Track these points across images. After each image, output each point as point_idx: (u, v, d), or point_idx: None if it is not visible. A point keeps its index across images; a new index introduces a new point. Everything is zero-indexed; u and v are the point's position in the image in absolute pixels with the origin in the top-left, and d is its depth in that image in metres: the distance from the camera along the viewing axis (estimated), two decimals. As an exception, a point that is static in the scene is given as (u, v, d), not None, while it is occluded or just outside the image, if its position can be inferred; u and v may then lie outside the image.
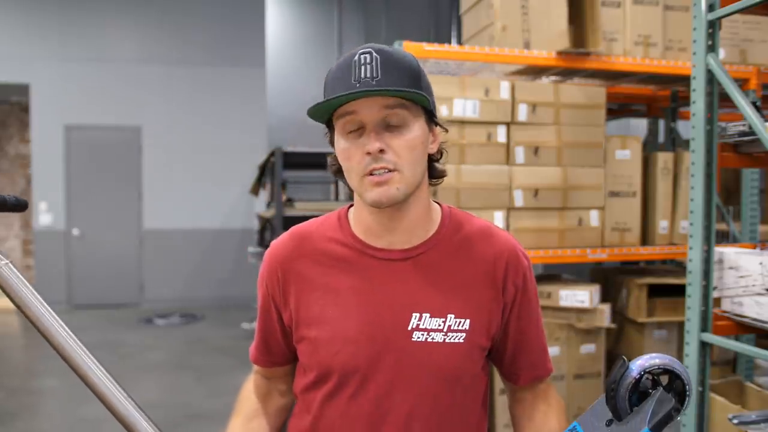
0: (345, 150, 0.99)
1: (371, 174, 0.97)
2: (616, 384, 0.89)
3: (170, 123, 7.99)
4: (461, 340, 1.04)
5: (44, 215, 7.79)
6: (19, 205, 0.88)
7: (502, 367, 1.16)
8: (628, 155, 3.37)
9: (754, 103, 2.02)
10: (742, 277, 2.10)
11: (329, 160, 1.08)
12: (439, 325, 1.03)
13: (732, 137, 2.13)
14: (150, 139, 7.98)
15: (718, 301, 2.25)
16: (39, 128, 7.72)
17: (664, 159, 3.48)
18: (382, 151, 0.96)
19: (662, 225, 3.47)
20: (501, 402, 3.12)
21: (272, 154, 5.03)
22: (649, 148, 4.47)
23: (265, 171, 5.63)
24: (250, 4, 7.82)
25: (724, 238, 3.53)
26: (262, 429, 1.17)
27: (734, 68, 3.18)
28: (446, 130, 1.09)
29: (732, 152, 2.25)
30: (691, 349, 2.21)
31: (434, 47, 3.00)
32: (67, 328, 0.85)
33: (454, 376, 1.04)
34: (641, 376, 0.88)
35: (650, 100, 4.39)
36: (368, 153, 0.96)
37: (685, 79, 3.39)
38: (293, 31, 7.00)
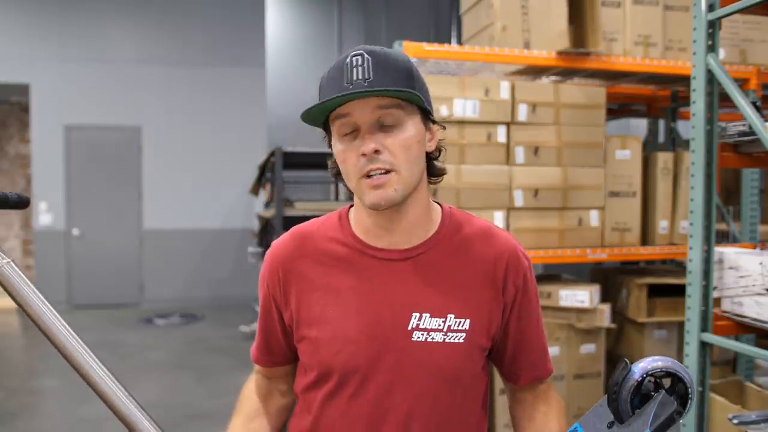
0: (341, 152, 1.00)
1: (368, 176, 0.97)
2: (618, 386, 0.89)
3: (170, 123, 7.99)
4: (461, 340, 1.04)
5: (44, 215, 7.79)
6: (22, 202, 0.89)
7: (503, 368, 1.16)
8: (628, 155, 3.38)
9: (754, 103, 2.02)
10: (742, 277, 2.11)
11: (329, 163, 1.08)
12: (439, 325, 1.03)
13: (732, 137, 2.13)
14: (150, 139, 7.98)
15: (718, 301, 2.26)
16: (39, 128, 7.72)
17: (664, 159, 3.48)
18: (377, 151, 0.96)
19: (662, 225, 3.47)
20: (501, 402, 3.12)
21: (272, 154, 5.03)
22: (649, 148, 4.47)
23: (265, 171, 5.62)
24: (250, 5, 7.82)
25: (724, 238, 3.54)
26: (263, 429, 1.17)
27: (734, 68, 3.18)
28: (444, 128, 1.09)
29: (732, 152, 2.25)
30: (691, 349, 2.21)
31: (434, 47, 3.00)
32: (68, 327, 0.85)
33: (453, 376, 1.05)
34: (643, 379, 0.89)
35: (650, 100, 4.39)
36: (363, 154, 0.96)
37: (685, 79, 3.40)
38: (293, 31, 7.00)
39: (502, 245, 1.09)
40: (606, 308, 3.18)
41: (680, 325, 3.20)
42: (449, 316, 1.04)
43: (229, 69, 8.08)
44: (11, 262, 0.84)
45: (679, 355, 2.95)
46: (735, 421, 2.07)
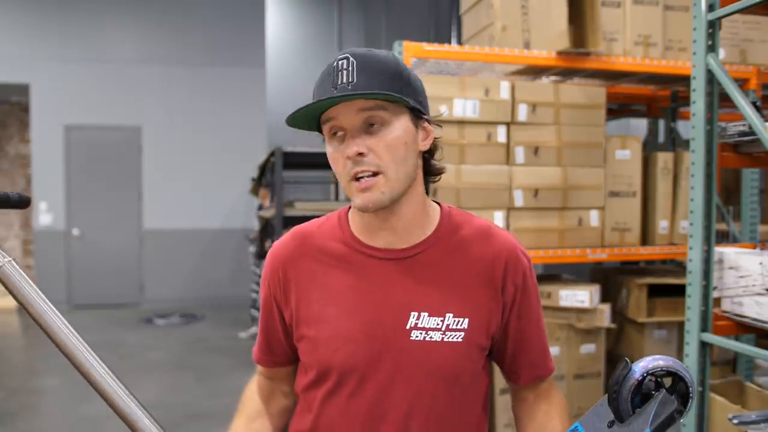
0: (331, 155, 1.01)
1: (357, 179, 0.98)
2: (618, 385, 0.89)
3: (170, 123, 7.99)
4: (460, 339, 1.04)
5: (44, 215, 7.79)
6: (22, 202, 0.89)
7: (504, 367, 1.16)
8: (628, 155, 3.38)
9: (754, 103, 2.02)
10: (742, 277, 2.11)
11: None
12: (438, 324, 1.03)
13: (732, 137, 2.13)
14: (150, 139, 7.98)
15: (718, 301, 2.26)
16: (39, 128, 7.72)
17: (664, 159, 3.48)
18: (361, 154, 0.97)
19: (662, 225, 3.47)
20: (501, 402, 3.12)
21: (272, 154, 5.03)
22: (649, 148, 4.47)
23: (265, 171, 5.63)
24: (250, 5, 7.83)
25: (724, 238, 3.54)
26: (265, 429, 1.18)
27: (734, 68, 3.18)
28: (440, 126, 1.09)
29: (732, 152, 2.25)
30: (691, 349, 2.21)
31: (434, 47, 3.00)
32: (69, 326, 0.85)
33: (452, 375, 1.05)
34: (644, 378, 0.88)
35: (650, 100, 4.39)
36: (348, 157, 0.97)
37: (685, 79, 3.40)
38: (293, 32, 7.00)
39: (501, 244, 1.09)
40: (606, 308, 3.18)
41: (680, 325, 3.20)
42: (448, 315, 1.04)
43: (229, 69, 8.08)
44: (12, 261, 0.84)
45: (679, 355, 2.95)
46: (735, 421, 2.07)
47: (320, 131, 1.04)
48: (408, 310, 1.04)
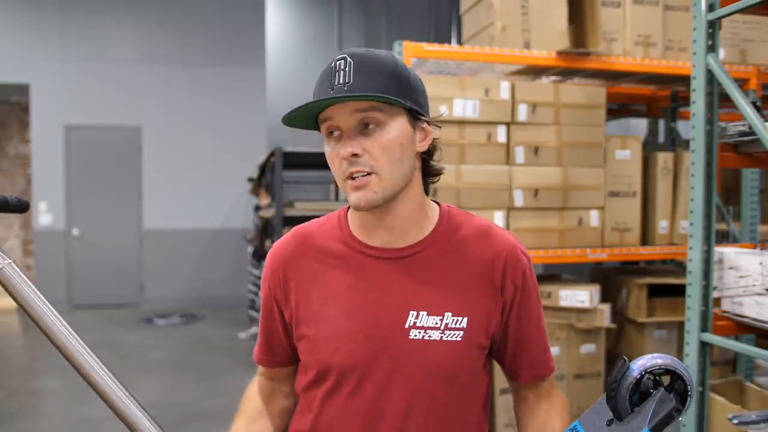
0: (328, 155, 1.02)
1: (352, 178, 0.99)
2: (616, 384, 0.89)
3: (170, 123, 7.99)
4: (459, 338, 1.04)
5: (44, 215, 7.79)
6: (21, 206, 0.89)
7: (504, 366, 1.17)
8: (628, 155, 3.38)
9: (754, 103, 2.02)
10: (742, 277, 2.11)
11: None
12: (437, 323, 1.03)
13: (732, 137, 2.13)
14: (150, 139, 7.98)
15: (718, 301, 2.26)
16: (39, 128, 7.72)
17: (664, 159, 3.48)
18: (355, 155, 0.97)
19: (662, 225, 3.47)
20: (501, 402, 3.12)
21: (272, 154, 5.03)
22: (649, 148, 4.47)
23: (265, 171, 5.63)
24: (250, 5, 7.83)
25: (724, 238, 3.54)
26: (266, 430, 1.18)
27: (734, 68, 3.18)
28: (439, 127, 1.09)
29: (732, 152, 2.25)
30: (691, 349, 2.21)
31: (434, 47, 3.00)
32: (69, 328, 0.86)
33: (451, 373, 1.05)
34: (642, 376, 0.88)
35: (650, 100, 4.39)
36: (343, 158, 0.98)
37: (685, 79, 3.40)
38: (293, 32, 7.01)
39: (501, 244, 1.09)
40: (606, 308, 3.18)
41: (680, 325, 3.20)
42: (446, 314, 1.04)
43: (229, 69, 8.08)
44: (12, 263, 0.84)
45: (679, 355, 2.94)
46: (735, 421, 2.07)
47: (319, 130, 1.05)
48: (407, 309, 1.04)
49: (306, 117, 1.01)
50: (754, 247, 2.40)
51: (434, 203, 1.13)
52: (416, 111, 1.02)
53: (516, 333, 1.11)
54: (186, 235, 8.10)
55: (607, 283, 3.67)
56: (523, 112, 3.14)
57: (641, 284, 3.41)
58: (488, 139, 3.11)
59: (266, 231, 5.70)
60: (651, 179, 3.50)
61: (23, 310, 0.85)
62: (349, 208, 1.13)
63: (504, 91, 3.12)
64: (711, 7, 2.15)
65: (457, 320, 1.04)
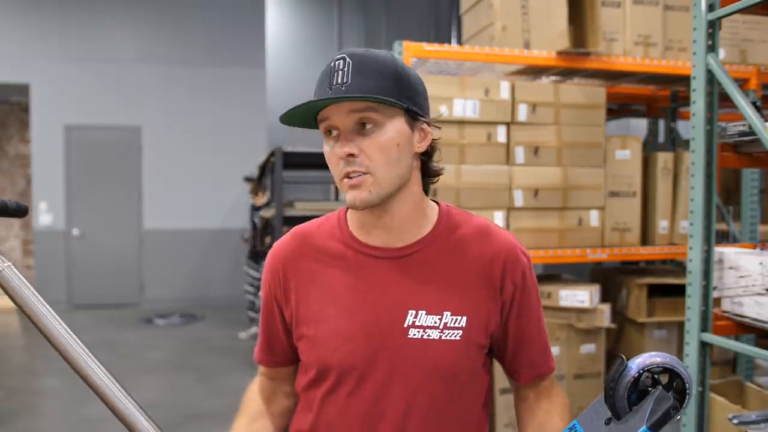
0: (326, 154, 1.03)
1: (349, 177, 0.99)
2: (614, 383, 0.88)
3: (170, 123, 7.99)
4: (458, 338, 1.04)
5: (44, 215, 7.79)
6: (20, 211, 0.89)
7: (505, 365, 1.17)
8: (628, 155, 3.38)
9: (754, 103, 2.02)
10: (742, 277, 2.11)
11: None
12: (435, 323, 1.03)
13: (732, 137, 2.13)
14: (150, 139, 7.98)
15: (718, 301, 2.26)
16: (39, 128, 7.72)
17: (664, 159, 3.48)
18: (352, 155, 0.98)
19: (662, 225, 3.47)
20: (501, 402, 3.12)
21: (272, 154, 5.03)
22: (649, 148, 4.47)
23: (265, 171, 5.63)
24: (250, 5, 7.83)
25: (724, 238, 3.54)
26: (266, 430, 1.18)
27: (734, 68, 3.18)
28: (438, 128, 1.09)
29: (732, 152, 2.25)
30: (691, 349, 2.21)
31: (434, 47, 3.00)
32: (68, 330, 0.86)
33: (450, 373, 1.05)
34: (640, 375, 0.88)
35: (650, 100, 4.39)
36: (340, 158, 0.98)
37: (685, 79, 3.39)
38: (293, 32, 7.01)
39: (500, 244, 1.09)
40: (606, 308, 3.18)
41: (680, 325, 3.20)
42: (445, 313, 1.04)
43: (229, 69, 8.08)
44: (11, 266, 0.85)
45: (679, 355, 2.94)
46: (735, 421, 2.07)
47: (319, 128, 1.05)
48: (405, 309, 1.04)
49: (305, 116, 1.01)
50: (754, 247, 2.40)
51: (434, 203, 1.13)
52: (414, 111, 1.02)
53: (516, 332, 1.11)
54: (186, 235, 8.11)
55: (607, 283, 3.67)
56: (523, 112, 3.14)
57: (641, 284, 3.41)
58: (488, 139, 3.11)
59: (266, 230, 5.70)
60: (651, 179, 3.50)
61: (22, 312, 0.85)
62: (348, 207, 1.13)
63: (504, 91, 3.11)
64: (711, 7, 2.15)
65: (456, 319, 1.04)
